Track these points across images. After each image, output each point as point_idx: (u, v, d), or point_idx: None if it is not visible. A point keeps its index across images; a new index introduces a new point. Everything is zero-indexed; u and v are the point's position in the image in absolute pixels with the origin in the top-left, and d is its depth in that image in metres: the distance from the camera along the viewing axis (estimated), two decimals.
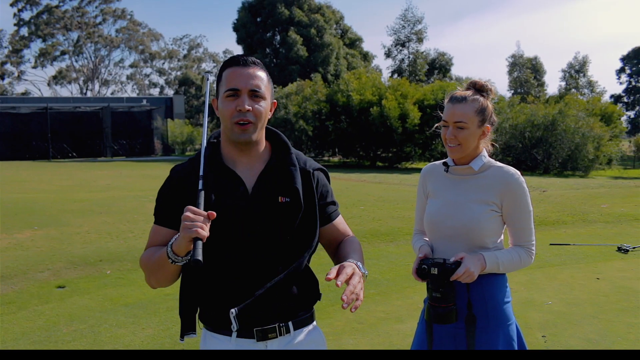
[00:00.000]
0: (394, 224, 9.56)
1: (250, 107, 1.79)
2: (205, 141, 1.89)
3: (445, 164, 2.40)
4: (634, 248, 7.66)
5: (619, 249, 7.68)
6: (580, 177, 22.71)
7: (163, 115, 39.15)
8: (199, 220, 1.60)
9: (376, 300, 5.51)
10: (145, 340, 4.54)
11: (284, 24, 40.77)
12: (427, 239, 2.46)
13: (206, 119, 1.97)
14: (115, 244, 7.92)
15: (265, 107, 1.85)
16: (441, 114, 2.38)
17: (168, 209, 1.85)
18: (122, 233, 8.66)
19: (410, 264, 6.92)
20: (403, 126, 25.48)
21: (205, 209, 1.67)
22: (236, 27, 42.15)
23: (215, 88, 1.94)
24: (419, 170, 27.34)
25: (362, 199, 12.43)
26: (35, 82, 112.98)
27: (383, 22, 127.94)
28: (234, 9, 72.58)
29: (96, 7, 59.74)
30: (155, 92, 65.81)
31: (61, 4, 58.76)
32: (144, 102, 41.02)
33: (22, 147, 34.40)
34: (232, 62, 1.86)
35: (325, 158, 32.02)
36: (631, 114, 60.38)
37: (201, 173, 1.77)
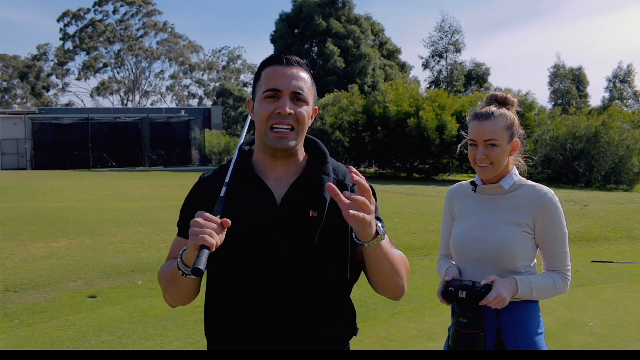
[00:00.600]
0: (429, 237, 9.36)
1: (292, 111, 1.62)
2: (237, 152, 1.75)
3: (472, 183, 2.27)
4: None
5: None
6: (624, 190, 21.97)
7: (201, 126, 39.67)
8: (209, 227, 1.44)
9: (408, 317, 5.35)
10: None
11: (321, 35, 40.93)
12: (453, 263, 2.32)
13: (246, 126, 1.85)
14: (147, 254, 7.94)
15: (308, 112, 1.68)
16: (464, 134, 2.24)
17: (190, 218, 1.66)
18: (154, 243, 8.68)
19: None
20: (440, 137, 25.17)
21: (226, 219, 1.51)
22: (274, 39, 42.50)
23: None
24: (455, 182, 26.62)
25: (397, 211, 12.24)
26: (79, 93, 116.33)
27: (421, 33, 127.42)
28: (271, 21, 73.44)
29: (139, 20, 61.23)
30: (194, 102, 66.91)
31: (105, 18, 60.42)
32: (182, 112, 41.66)
33: (64, 156, 35.29)
34: (274, 60, 1.69)
35: (362, 169, 31.86)
36: None
37: (226, 180, 1.62)
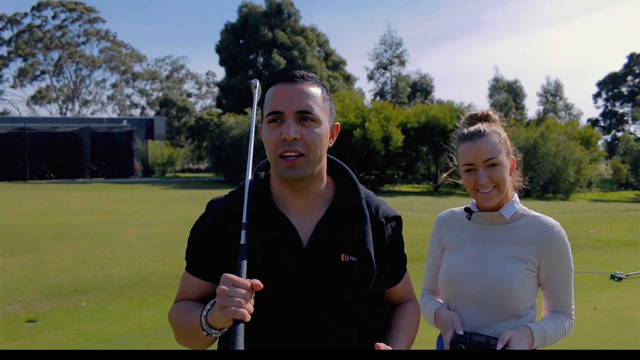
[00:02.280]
0: None
1: (298, 135, 1.40)
2: (249, 175, 1.50)
3: (467, 209, 1.98)
4: (627, 275, 7.50)
5: (613, 277, 7.51)
6: (562, 199, 22.82)
7: (144, 136, 38.77)
8: (239, 295, 1.24)
9: None
10: None
11: (267, 46, 40.85)
12: (440, 301, 2.03)
13: (251, 143, 1.56)
14: (91, 273, 7.56)
15: (321, 133, 1.45)
16: (451, 164, 1.99)
17: (202, 254, 1.50)
18: (99, 260, 8.29)
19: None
20: (386, 149, 25.47)
21: (248, 267, 1.32)
22: (219, 49, 42.15)
23: (261, 100, 1.53)
24: (402, 193, 27.37)
25: None
26: (14, 101, 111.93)
27: (366, 45, 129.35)
28: (217, 31, 72.82)
29: (79, 27, 59.50)
30: (136, 112, 65.44)
31: (44, 23, 58.41)
32: (125, 122, 40.66)
33: None
34: (277, 78, 1.47)
35: None
36: (608, 137, 61.26)
37: (244, 220, 1.39)
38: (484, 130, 1.89)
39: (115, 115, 60.31)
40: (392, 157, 26.02)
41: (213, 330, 1.34)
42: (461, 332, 1.84)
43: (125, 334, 5.23)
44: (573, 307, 1.95)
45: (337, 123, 1.57)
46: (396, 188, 28.28)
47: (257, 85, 1.61)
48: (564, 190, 25.00)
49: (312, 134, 1.43)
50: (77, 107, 62.06)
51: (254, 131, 1.57)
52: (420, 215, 14.66)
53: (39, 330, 5.44)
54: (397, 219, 1.64)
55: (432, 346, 2.08)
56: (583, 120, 53.56)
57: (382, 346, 1.40)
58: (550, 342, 1.86)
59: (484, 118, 1.97)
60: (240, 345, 1.21)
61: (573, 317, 1.95)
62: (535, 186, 24.96)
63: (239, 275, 1.30)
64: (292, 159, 1.41)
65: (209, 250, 1.50)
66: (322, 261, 1.45)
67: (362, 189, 1.59)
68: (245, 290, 1.25)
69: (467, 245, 1.95)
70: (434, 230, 2.10)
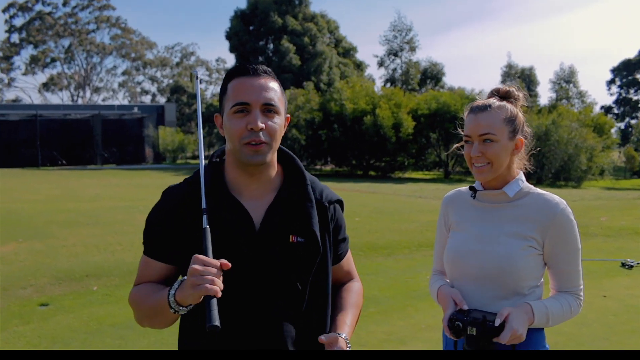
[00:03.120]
0: (392, 237, 9.32)
1: (263, 125, 1.51)
2: (203, 160, 1.60)
3: (472, 188, 1.97)
4: (638, 263, 7.46)
5: (623, 265, 7.48)
6: (573, 187, 22.66)
7: (154, 123, 38.86)
8: (210, 273, 1.35)
9: (376, 320, 5.25)
10: None
11: (277, 33, 40.67)
12: (447, 281, 2.03)
13: (200, 128, 1.69)
14: (102, 258, 7.62)
15: (280, 123, 1.58)
16: (461, 132, 1.95)
17: (160, 239, 1.58)
18: (110, 246, 8.36)
19: (410, 280, 6.70)
20: (397, 135, 25.38)
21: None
22: (229, 36, 42.02)
23: (220, 95, 1.62)
24: (412, 180, 27.30)
25: (357, 210, 12.19)
26: (26, 89, 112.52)
27: (376, 32, 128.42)
28: (226, 17, 72.59)
29: (89, 14, 59.51)
30: (147, 99, 65.54)
31: (54, 10, 58.48)
32: (135, 109, 40.74)
33: (11, 154, 33.97)
34: (240, 71, 1.58)
35: (318, 167, 31.83)
36: (621, 125, 60.67)
37: (204, 206, 1.50)
38: (490, 105, 1.87)
39: (126, 102, 60.49)
40: (403, 144, 25.94)
41: (181, 308, 1.42)
42: (466, 308, 1.83)
43: None
44: (581, 287, 1.91)
45: (288, 115, 1.69)
46: (406, 175, 28.21)
47: (198, 75, 1.75)
48: (576, 177, 24.83)
49: (274, 124, 1.55)
50: (88, 94, 62.30)
51: (201, 120, 1.69)
52: (430, 202, 14.62)
53: (52, 314, 5.51)
54: (340, 202, 1.76)
55: (440, 331, 2.08)
56: (597, 108, 53.08)
57: (323, 338, 1.53)
58: (554, 321, 1.83)
59: (503, 94, 1.93)
60: (216, 318, 1.30)
61: (581, 298, 1.91)
62: (546, 174, 24.83)
63: (206, 256, 1.40)
64: (257, 145, 1.52)
65: (168, 234, 1.57)
66: (273, 243, 1.56)
67: (308, 175, 1.69)
68: (215, 269, 1.36)
69: (471, 223, 1.94)
70: (441, 210, 2.10)
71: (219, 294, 1.34)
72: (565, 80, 53.25)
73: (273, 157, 1.61)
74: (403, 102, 26.84)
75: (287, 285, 1.57)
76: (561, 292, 1.90)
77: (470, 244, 1.91)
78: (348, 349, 1.56)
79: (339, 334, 1.58)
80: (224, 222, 1.52)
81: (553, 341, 4.57)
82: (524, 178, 1.94)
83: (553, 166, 24.74)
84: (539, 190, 1.92)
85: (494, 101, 1.89)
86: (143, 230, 1.65)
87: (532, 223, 1.85)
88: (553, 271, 1.90)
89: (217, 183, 1.59)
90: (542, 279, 1.93)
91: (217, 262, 1.38)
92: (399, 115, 25.66)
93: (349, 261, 1.83)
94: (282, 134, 1.61)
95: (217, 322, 1.30)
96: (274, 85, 1.59)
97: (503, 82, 52.78)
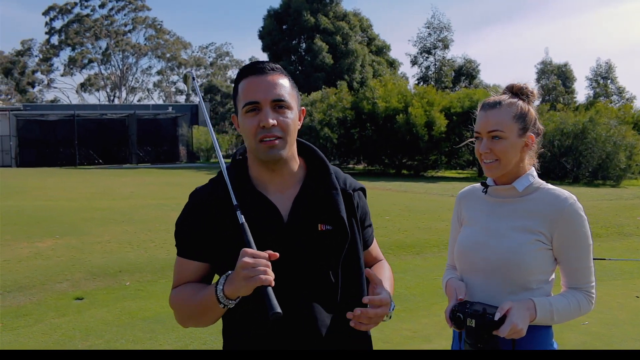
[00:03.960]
0: (421, 235, 9.29)
1: (275, 121, 1.56)
2: (222, 161, 1.66)
3: (484, 184, 1.99)
4: None
5: None
6: (612, 186, 22.12)
7: (188, 123, 39.35)
8: (261, 265, 1.41)
9: (402, 318, 5.26)
10: None
11: (309, 32, 40.73)
12: (457, 274, 2.05)
13: (210, 125, 1.77)
14: (135, 254, 7.80)
15: (293, 117, 1.61)
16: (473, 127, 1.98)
17: (193, 239, 1.63)
18: (143, 243, 8.54)
19: (437, 279, 6.67)
20: (429, 134, 25.17)
21: (238, 246, 1.47)
22: (262, 35, 42.25)
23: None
24: (445, 179, 27.05)
25: (387, 209, 12.17)
26: (64, 89, 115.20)
27: (410, 29, 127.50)
28: (259, 17, 73.04)
29: (125, 15, 60.63)
30: (181, 99, 66.43)
31: (92, 12, 59.76)
32: (170, 109, 41.31)
33: (50, 153, 34.83)
34: (248, 71, 1.62)
35: (350, 166, 31.81)
36: None
37: (235, 202, 1.55)
38: (500, 102, 1.88)
39: (160, 102, 61.44)
40: (436, 143, 25.69)
41: (230, 301, 1.48)
42: (462, 297, 1.85)
43: (166, 312, 5.40)
44: (592, 283, 1.88)
45: (303, 107, 1.72)
46: (439, 174, 27.97)
47: (194, 76, 1.84)
48: (615, 176, 24.20)
49: (286, 119, 1.58)
50: (124, 94, 63.49)
51: (209, 121, 1.78)
52: None
53: (86, 307, 5.68)
54: (363, 190, 1.79)
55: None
56: (637, 104, 51.69)
57: (370, 271, 1.60)
58: (559, 319, 1.81)
59: (516, 90, 1.93)
60: (277, 305, 1.37)
61: (592, 295, 1.88)
62: (583, 172, 24.30)
63: (247, 246, 1.45)
64: (271, 141, 1.56)
65: (200, 234, 1.62)
66: (302, 233, 1.60)
67: (332, 167, 1.73)
68: (265, 260, 1.43)
69: (481, 218, 1.96)
70: (455, 207, 2.13)
71: (273, 283, 1.41)
72: (602, 76, 52.00)
73: (291, 150, 1.64)
74: (436, 100, 26.57)
75: (319, 274, 1.61)
76: (571, 288, 1.88)
77: (479, 237, 1.92)
78: (392, 306, 1.62)
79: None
80: (252, 218, 1.55)
81: (581, 341, 4.55)
82: (535, 173, 1.94)
83: (590, 164, 24.19)
84: (549, 185, 1.92)
85: (506, 98, 1.90)
86: (174, 233, 1.69)
87: (540, 218, 1.84)
88: (563, 267, 1.88)
89: (242, 180, 1.64)
90: (553, 276, 1.91)
91: (265, 254, 1.44)
92: (432, 113, 25.43)
93: (375, 247, 1.89)
94: (298, 127, 1.65)
95: (279, 309, 1.36)
96: (283, 81, 1.62)
97: (538, 79, 51.89)
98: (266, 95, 1.57)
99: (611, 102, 44.93)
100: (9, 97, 59.31)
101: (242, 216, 1.52)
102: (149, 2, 67.36)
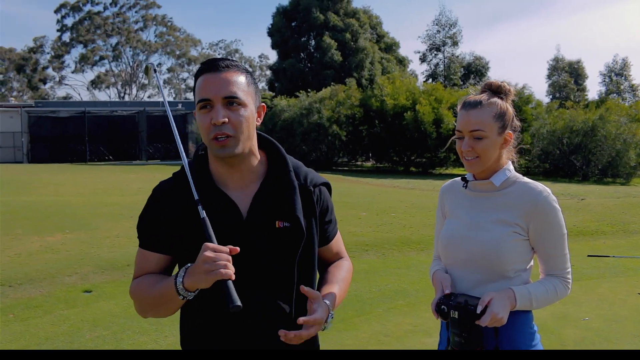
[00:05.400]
0: (426, 232, 9.35)
1: (225, 119, 1.56)
2: (184, 157, 1.69)
3: (464, 179, 2.09)
4: None
5: None
6: (621, 184, 22.02)
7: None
8: (222, 259, 1.45)
9: (404, 312, 5.34)
10: (167, 348, 4.47)
11: (318, 29, 40.75)
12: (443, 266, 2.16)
13: (172, 120, 1.82)
14: None
15: (247, 115, 1.61)
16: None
17: (155, 231, 1.67)
18: None
19: None
20: (437, 131, 25.18)
21: (197, 242, 1.51)
22: (271, 32, 42.32)
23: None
24: (453, 176, 26.64)
25: (393, 206, 12.23)
26: (76, 86, 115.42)
27: (420, 27, 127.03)
28: (269, 14, 73.15)
29: (136, 13, 60.94)
30: (191, 96, 66.62)
31: (103, 10, 60.11)
32: (180, 106, 41.48)
33: (61, 149, 35.08)
34: (204, 68, 1.63)
35: (359, 163, 31.86)
36: None
37: (196, 197, 1.58)
38: (481, 101, 1.96)
39: (171, 99, 61.72)
40: (444, 140, 25.62)
41: (189, 293, 1.52)
42: (448, 292, 1.94)
43: None
44: (568, 270, 1.99)
45: (263, 104, 1.73)
46: (447, 171, 27.95)
47: (156, 68, 1.86)
48: (624, 174, 24.08)
49: (238, 116, 1.59)
50: (134, 91, 63.84)
51: (171, 115, 1.84)
52: None
53: (94, 300, 5.80)
54: (326, 185, 1.81)
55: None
56: None
57: (307, 289, 1.60)
58: (538, 304, 1.91)
59: (495, 89, 2.01)
60: (237, 299, 1.42)
61: (569, 280, 1.99)
62: (593, 170, 24.20)
63: (208, 240, 1.51)
64: (222, 140, 1.57)
65: (162, 226, 1.65)
66: (260, 229, 1.63)
67: (291, 161, 1.75)
68: (226, 255, 1.47)
69: (462, 211, 2.06)
70: (438, 200, 2.24)
71: (233, 277, 1.45)
72: (617, 73, 51.66)
73: (247, 147, 1.64)
74: (444, 97, 26.56)
75: (276, 269, 1.64)
76: (548, 275, 1.99)
77: (460, 230, 2.02)
78: (330, 316, 1.65)
79: (323, 300, 1.65)
80: (212, 214, 1.58)
81: (580, 336, 4.61)
82: (511, 168, 2.03)
83: (600, 162, 24.08)
84: (525, 179, 2.02)
85: (485, 97, 1.97)
86: (137, 225, 1.73)
87: (516, 210, 1.94)
88: (540, 255, 1.99)
89: (203, 176, 1.67)
90: (531, 263, 2.02)
91: (226, 249, 1.48)
92: (440, 111, 25.44)
93: (338, 242, 1.91)
94: (255, 124, 1.65)
95: (239, 302, 1.42)
96: (237, 77, 1.61)
97: (550, 76, 51.63)
98: (218, 93, 1.57)
99: (623, 100, 44.63)
100: (21, 94, 59.84)
101: (204, 211, 1.55)
102: (159, 0, 67.50)
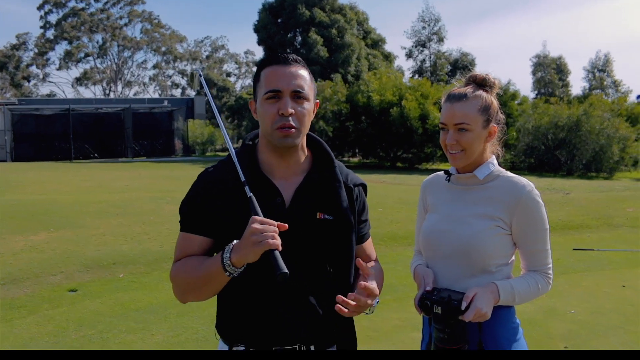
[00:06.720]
0: (413, 227, 9.25)
1: (293, 110, 1.64)
2: (230, 145, 1.75)
3: (447, 172, 2.07)
4: None
5: None
6: (605, 178, 22.24)
7: (184, 116, 39.32)
8: (270, 230, 1.49)
9: (392, 307, 5.34)
10: (154, 347, 4.44)
11: (304, 25, 40.68)
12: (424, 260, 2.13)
13: (219, 118, 1.84)
14: (129, 247, 7.86)
15: (309, 109, 1.70)
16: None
17: (199, 214, 1.70)
18: (137, 235, 8.60)
19: None
20: (423, 127, 25.25)
21: (242, 223, 1.54)
22: (257, 28, 42.18)
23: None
24: (439, 171, 26.85)
25: (381, 201, 12.24)
26: (60, 84, 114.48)
27: (407, 22, 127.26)
28: (254, 10, 72.88)
29: (120, 9, 60.41)
30: (177, 93, 66.30)
31: (87, 6, 59.49)
32: (165, 103, 41.27)
33: (45, 148, 34.76)
34: (272, 60, 1.70)
35: (345, 158, 31.88)
36: None
37: (242, 179, 1.62)
38: (466, 94, 1.93)
39: (156, 96, 61.31)
40: (430, 135, 25.74)
41: (236, 269, 1.54)
42: (430, 289, 1.91)
43: (159, 303, 5.48)
44: (549, 265, 1.98)
45: (317, 101, 1.79)
46: (434, 166, 28.05)
47: (201, 73, 1.93)
48: (608, 168, 24.31)
49: (303, 110, 1.67)
50: (119, 88, 63.34)
51: (218, 113, 1.84)
52: None
53: (80, 299, 5.74)
54: (363, 185, 1.88)
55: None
56: (633, 98, 51.78)
57: (362, 263, 1.65)
58: (520, 299, 1.90)
59: (479, 81, 1.99)
60: (284, 266, 1.44)
61: (550, 276, 1.98)
62: (577, 165, 24.40)
63: (254, 215, 1.54)
64: (286, 130, 1.64)
65: (206, 210, 1.70)
66: (302, 219, 1.68)
67: (337, 161, 1.81)
68: (274, 227, 1.50)
69: (444, 205, 2.04)
70: (420, 194, 2.20)
71: (280, 248, 1.48)
72: (599, 69, 52.13)
73: (302, 141, 1.73)
74: (430, 92, 26.62)
75: (315, 261, 1.69)
76: (530, 270, 1.97)
77: (441, 224, 2.00)
78: (376, 301, 1.68)
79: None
80: (257, 199, 1.61)
81: (567, 329, 4.65)
82: (495, 162, 2.01)
83: (584, 157, 24.28)
84: (508, 173, 2.00)
85: (470, 90, 1.95)
86: (179, 210, 1.75)
87: (499, 204, 1.92)
88: (522, 251, 1.98)
89: (250, 163, 1.72)
90: (513, 258, 2.00)
91: (274, 222, 1.51)
92: (426, 106, 25.51)
93: (370, 245, 1.95)
94: (311, 119, 1.73)
95: (286, 270, 1.44)
96: (304, 73, 1.70)
97: (534, 72, 51.96)
98: (287, 85, 1.65)
99: (607, 95, 45.07)
100: (4, 91, 59.09)
101: (249, 189, 1.60)
102: None
